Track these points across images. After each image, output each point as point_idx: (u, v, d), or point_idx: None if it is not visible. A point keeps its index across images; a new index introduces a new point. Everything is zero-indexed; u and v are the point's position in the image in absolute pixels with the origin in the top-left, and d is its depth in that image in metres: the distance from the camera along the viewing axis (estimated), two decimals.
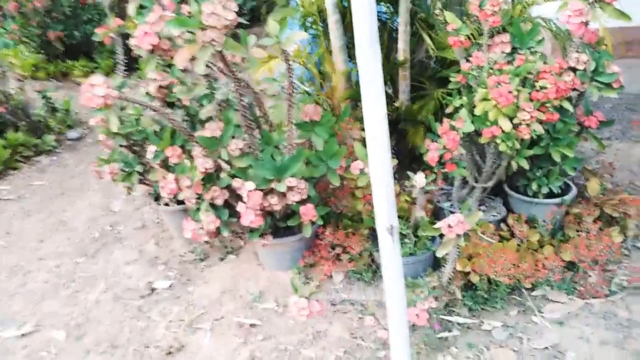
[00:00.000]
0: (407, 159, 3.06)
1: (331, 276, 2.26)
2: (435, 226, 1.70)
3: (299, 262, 2.29)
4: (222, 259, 2.49)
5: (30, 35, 5.93)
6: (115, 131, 2.26)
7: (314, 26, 3.34)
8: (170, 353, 1.95)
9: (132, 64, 5.42)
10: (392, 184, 1.17)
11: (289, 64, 1.99)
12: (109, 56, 6.00)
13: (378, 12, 3.24)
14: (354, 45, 3.11)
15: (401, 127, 2.97)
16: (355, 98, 3.10)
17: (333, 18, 3.01)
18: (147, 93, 2.36)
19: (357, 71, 2.98)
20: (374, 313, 1.94)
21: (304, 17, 3.35)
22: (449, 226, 1.65)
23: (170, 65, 2.40)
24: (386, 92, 3.14)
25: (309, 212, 2.10)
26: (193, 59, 1.97)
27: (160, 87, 2.26)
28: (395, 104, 2.98)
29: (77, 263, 2.60)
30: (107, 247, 2.72)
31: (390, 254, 1.21)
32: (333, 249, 2.27)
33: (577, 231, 2.19)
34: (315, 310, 1.47)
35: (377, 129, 1.11)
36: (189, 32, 1.80)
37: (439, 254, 1.69)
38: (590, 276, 1.98)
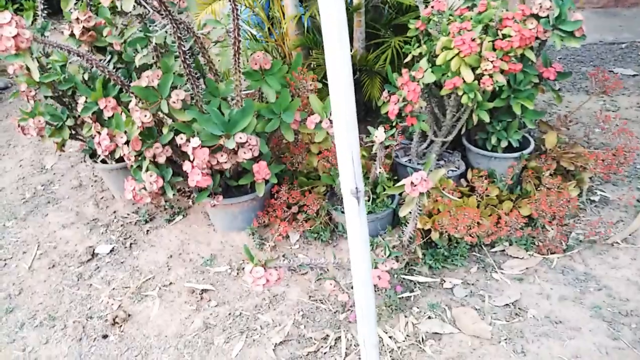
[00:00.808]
0: (362, 111, 2.95)
1: (287, 236, 2.15)
2: (397, 184, 1.61)
3: (253, 222, 2.16)
4: (169, 221, 2.32)
5: None
6: (37, 80, 2.00)
7: None
8: (115, 324, 1.81)
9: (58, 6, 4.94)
10: (358, 144, 1.05)
11: (235, 6, 1.77)
12: None
13: None
14: None
15: (356, 78, 2.83)
16: (307, 46, 2.91)
17: None
18: (71, 35, 2.08)
19: (309, 17, 2.78)
20: (334, 276, 1.86)
21: None
22: (412, 184, 1.56)
23: (97, 5, 2.12)
24: None
25: (262, 170, 1.95)
26: None
27: (86, 29, 1.99)
28: (350, 52, 2.81)
29: (5, 227, 2.36)
30: (39, 208, 2.48)
31: (356, 218, 1.10)
32: (289, 208, 2.15)
33: (536, 186, 2.17)
34: (273, 280, 1.37)
35: (340, 82, 0.97)
36: None
37: (402, 213, 1.61)
38: (548, 231, 1.97)
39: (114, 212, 2.41)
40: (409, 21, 2.42)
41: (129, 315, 1.85)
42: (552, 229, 2.00)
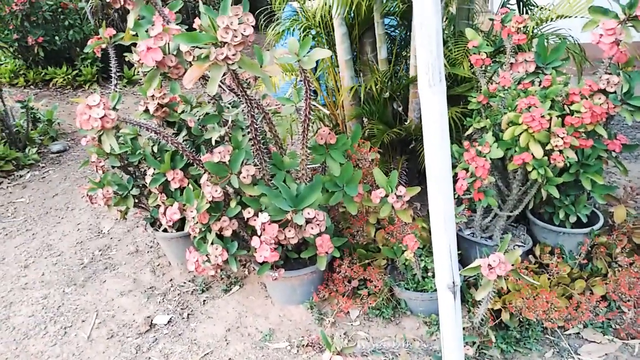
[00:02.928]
0: (416, 179, 2.93)
1: (347, 312, 2.09)
2: (471, 266, 1.55)
3: (312, 296, 2.12)
4: (225, 291, 2.30)
5: (7, 40, 5.63)
6: (109, 152, 2.07)
7: (317, 38, 3.19)
8: None
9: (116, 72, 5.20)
10: (455, 238, 1.02)
11: (308, 85, 1.82)
12: (92, 63, 5.76)
13: (388, 26, 3.11)
14: (359, 60, 2.93)
15: (411, 147, 2.84)
16: (362, 117, 2.96)
17: (340, 31, 2.85)
18: (145, 111, 2.17)
19: (365, 87, 2.83)
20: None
21: (306, 29, 3.19)
22: (490, 267, 1.50)
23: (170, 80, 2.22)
24: (396, 110, 3.03)
25: (325, 244, 1.93)
26: (203, 77, 1.80)
27: (160, 105, 2.07)
28: (405, 123, 2.84)
29: (64, 293, 2.38)
30: (97, 274, 2.51)
31: (451, 314, 1.06)
32: (349, 282, 2.11)
33: (607, 263, 2.07)
34: None
35: (440, 178, 0.96)
36: (200, 47, 1.63)
37: (478, 297, 1.54)
38: (626, 313, 1.86)
39: (171, 279, 2.41)
40: (467, 93, 2.44)
41: None
42: (630, 310, 1.89)
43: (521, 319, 1.85)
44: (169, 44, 1.76)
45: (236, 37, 1.59)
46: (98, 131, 1.79)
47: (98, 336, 2.10)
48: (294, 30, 3.27)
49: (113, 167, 2.30)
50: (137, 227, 2.86)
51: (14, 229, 3.00)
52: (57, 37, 5.69)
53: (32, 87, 5.60)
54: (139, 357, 1.98)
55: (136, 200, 2.31)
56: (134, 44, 2.27)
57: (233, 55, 1.61)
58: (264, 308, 2.17)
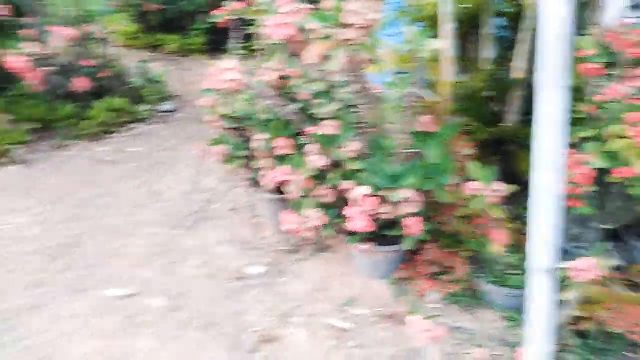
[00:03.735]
0: (505, 181, 2.96)
1: (424, 294, 2.22)
2: (560, 265, 1.63)
3: (394, 273, 2.26)
4: (313, 256, 2.50)
5: (130, 5, 6.15)
6: (226, 113, 2.31)
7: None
8: (264, 341, 1.98)
9: (221, 44, 5.56)
10: (559, 219, 1.12)
11: (423, 73, 1.94)
12: (202, 34, 6.14)
13: (495, 26, 3.14)
14: (461, 57, 2.98)
15: (505, 149, 2.87)
16: (458, 112, 3.02)
17: (446, 27, 2.93)
18: (263, 81, 2.38)
19: (466, 84, 2.89)
20: (481, 344, 1.88)
21: (411, 22, 3.29)
22: (579, 269, 1.57)
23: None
24: (494, 110, 3.07)
25: (415, 225, 2.06)
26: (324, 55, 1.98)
27: (279, 77, 2.28)
28: (501, 124, 2.88)
29: (172, 234, 2.68)
30: (199, 223, 2.79)
31: (543, 301, 1.16)
32: (430, 266, 2.23)
33: None
34: (438, 335, 1.44)
35: (550, 175, 1.06)
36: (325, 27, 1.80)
37: (564, 297, 1.62)
38: None
39: (264, 237, 2.64)
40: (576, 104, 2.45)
41: (276, 336, 2.02)
42: None
43: (603, 330, 1.89)
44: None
45: (360, 20, 1.75)
46: (224, 92, 2.02)
47: (199, 274, 2.37)
48: (398, 21, 3.38)
49: (226, 128, 2.56)
50: (236, 187, 3.11)
51: (127, 174, 3.37)
52: (172, 7, 6.14)
53: (145, 50, 6.08)
54: (234, 298, 2.22)
55: (243, 162, 2.55)
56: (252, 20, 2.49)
57: (355, 37, 1.77)
58: (347, 277, 2.35)
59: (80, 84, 3.77)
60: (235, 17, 2.64)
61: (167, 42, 6.14)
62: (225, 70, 1.90)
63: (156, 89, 4.57)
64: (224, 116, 2.45)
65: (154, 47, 6.15)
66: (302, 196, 2.17)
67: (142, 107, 4.24)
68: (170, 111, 4.42)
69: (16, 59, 3.36)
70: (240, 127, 2.50)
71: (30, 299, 2.21)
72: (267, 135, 2.29)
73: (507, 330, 2.01)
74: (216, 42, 6.02)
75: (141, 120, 4.18)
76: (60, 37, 3.71)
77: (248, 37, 2.74)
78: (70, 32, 3.75)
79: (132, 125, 4.09)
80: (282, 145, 2.21)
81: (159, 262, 2.46)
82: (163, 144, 3.82)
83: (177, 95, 4.70)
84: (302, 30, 1.85)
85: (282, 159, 2.24)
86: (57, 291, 2.26)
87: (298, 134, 2.26)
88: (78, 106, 3.86)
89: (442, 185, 2.14)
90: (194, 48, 6.09)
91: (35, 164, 3.48)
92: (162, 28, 6.26)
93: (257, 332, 2.04)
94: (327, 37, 1.72)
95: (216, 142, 2.47)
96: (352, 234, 2.18)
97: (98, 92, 4.02)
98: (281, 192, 2.54)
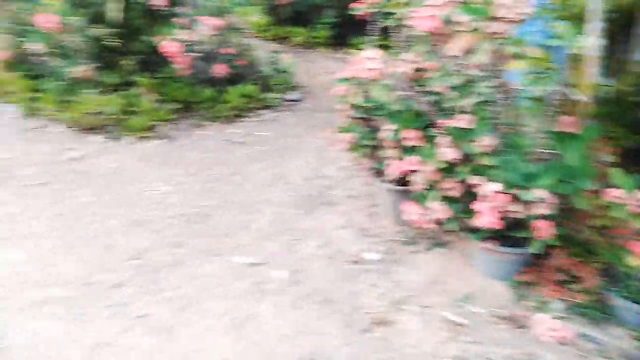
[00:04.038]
0: None
1: (547, 301, 2.13)
2: None
3: (515, 275, 2.20)
4: (429, 249, 2.50)
5: None
6: (357, 103, 2.39)
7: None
8: (377, 324, 2.04)
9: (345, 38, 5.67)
10: None
11: (564, 72, 1.86)
12: (326, 27, 6.34)
13: None
14: (611, 58, 2.78)
15: None
16: (602, 117, 2.82)
17: (596, 25, 2.74)
18: (398, 72, 2.42)
19: (610, 87, 2.70)
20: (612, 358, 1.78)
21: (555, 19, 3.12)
22: None
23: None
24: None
25: (545, 229, 1.98)
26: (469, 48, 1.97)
27: (417, 69, 2.31)
28: None
29: (294, 215, 2.84)
30: (319, 207, 2.92)
31: None
32: (557, 273, 2.13)
33: None
34: (567, 335, 1.40)
35: None
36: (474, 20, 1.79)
37: None
38: None
39: (381, 227, 2.70)
40: None
41: (389, 321, 2.07)
42: None
43: None
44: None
45: (510, 14, 1.71)
46: (359, 82, 2.09)
47: (318, 254, 2.49)
48: (539, 18, 3.22)
49: (355, 117, 2.64)
50: (356, 176, 3.20)
51: (255, 155, 3.61)
52: (303, 1, 6.40)
53: (274, 42, 6.40)
54: (350, 280, 2.31)
55: (369, 151, 2.62)
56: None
57: (502, 31, 1.74)
58: (465, 274, 2.33)
59: (219, 70, 4.10)
60: (373, 10, 2.71)
61: (294, 34, 6.42)
62: (367, 59, 1.98)
63: (284, 78, 4.81)
64: (354, 105, 2.54)
65: (282, 39, 6.46)
66: (427, 188, 2.19)
67: (270, 95, 4.49)
68: (296, 100, 4.62)
69: (170, 44, 3.75)
70: (369, 117, 2.57)
71: (171, 257, 2.48)
72: (396, 126, 2.34)
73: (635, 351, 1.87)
74: (341, 36, 6.20)
75: (269, 107, 4.43)
76: (206, 27, 4.05)
77: (383, 30, 2.80)
78: (215, 22, 4.09)
79: (260, 111, 4.35)
80: (412, 136, 2.24)
81: (281, 238, 2.62)
82: (288, 131, 4.02)
83: (303, 85, 4.91)
84: (447, 22, 1.86)
85: (410, 150, 2.27)
86: (193, 253, 2.51)
87: (428, 126, 2.27)
88: (215, 90, 4.19)
89: (579, 189, 2.03)
90: (319, 41, 6.30)
91: (177, 140, 3.85)
92: (291, 21, 6.55)
93: (370, 314, 2.10)
94: (474, 30, 1.72)
95: (344, 130, 2.56)
96: (475, 231, 2.16)
97: (233, 79, 4.33)
98: (403, 184, 2.57)
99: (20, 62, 4.40)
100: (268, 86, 4.58)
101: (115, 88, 4.01)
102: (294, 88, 4.80)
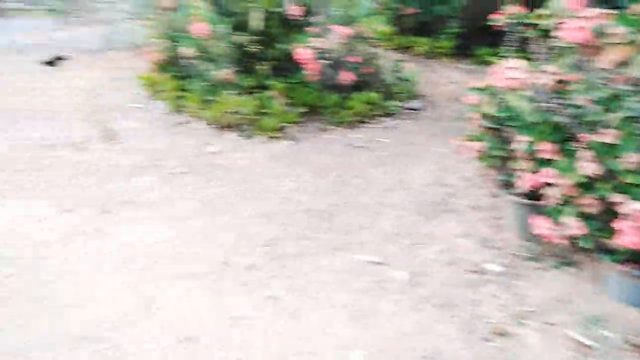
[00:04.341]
0: None
1: None
2: None
3: None
4: (556, 267, 2.42)
5: (388, 9, 6.64)
6: (489, 112, 2.38)
7: None
8: (498, 334, 2.03)
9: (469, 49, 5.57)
10: None
11: None
12: (449, 38, 6.29)
13: None
14: None
15: None
16: None
17: None
18: (538, 84, 2.38)
19: None
20: None
21: None
22: None
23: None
24: None
25: None
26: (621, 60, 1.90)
27: (559, 81, 2.26)
28: None
29: (414, 219, 2.89)
30: (440, 214, 2.94)
31: None
32: None
33: None
34: None
35: None
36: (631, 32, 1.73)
37: None
38: None
39: (504, 240, 2.66)
40: None
41: (508, 333, 2.04)
42: None
43: None
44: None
45: None
46: (494, 91, 2.10)
47: (439, 259, 2.53)
48: None
49: (486, 127, 2.63)
50: (480, 187, 3.17)
51: (376, 160, 3.72)
52: (426, 11, 6.43)
53: (396, 51, 6.49)
54: (470, 288, 2.31)
55: (498, 161, 2.60)
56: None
57: None
58: (595, 296, 2.22)
59: (346, 77, 4.28)
60: (511, 21, 2.69)
61: (417, 44, 6.45)
62: (508, 69, 1.98)
63: (406, 87, 4.88)
64: (485, 115, 2.54)
65: (405, 49, 6.52)
66: (562, 203, 2.13)
67: (392, 103, 4.58)
68: (417, 109, 4.67)
69: (304, 51, 4.00)
70: (500, 127, 2.55)
71: (297, 248, 2.66)
72: (531, 138, 2.30)
73: None
74: (465, 46, 6.12)
75: (390, 115, 4.52)
76: (337, 35, 4.26)
77: (520, 41, 2.76)
78: (345, 30, 4.28)
79: (382, 118, 4.46)
80: (548, 149, 2.19)
81: (402, 241, 2.69)
82: (409, 139, 4.08)
83: (424, 95, 4.94)
84: (599, 34, 1.82)
85: (545, 163, 2.22)
86: (318, 246, 2.67)
87: (567, 139, 2.21)
88: (340, 97, 4.38)
89: None
90: (442, 51, 6.28)
91: (303, 142, 4.09)
92: (414, 31, 6.60)
93: (490, 323, 2.09)
94: (630, 42, 1.66)
95: (473, 138, 2.57)
96: (610, 252, 2.06)
97: (357, 86, 4.49)
98: (532, 197, 2.52)
99: (172, 65, 4.96)
100: (390, 94, 4.68)
101: (251, 91, 4.36)
102: (415, 97, 4.84)
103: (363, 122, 4.35)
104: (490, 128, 2.57)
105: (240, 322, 2.14)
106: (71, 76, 6.28)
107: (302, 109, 4.34)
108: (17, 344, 2.02)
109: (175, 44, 4.69)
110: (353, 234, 2.77)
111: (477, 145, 2.54)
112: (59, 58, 6.62)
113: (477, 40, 6.12)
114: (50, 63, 6.52)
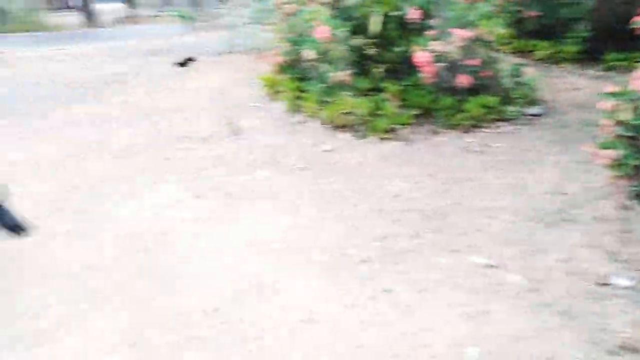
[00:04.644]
0: None
1: None
2: None
3: None
4: None
5: (508, 11, 6.40)
6: (624, 119, 2.26)
7: None
8: (626, 349, 1.93)
9: (600, 53, 5.20)
10: None
11: None
12: (576, 42, 5.92)
13: None
14: None
15: None
16: None
17: None
18: None
19: None
20: None
21: None
22: None
23: None
24: None
25: None
26: None
27: None
28: None
29: (530, 226, 2.81)
30: (559, 223, 2.83)
31: None
32: None
33: None
34: None
35: None
36: None
37: None
38: None
39: (634, 254, 2.49)
40: None
41: (637, 349, 1.93)
42: None
43: None
44: None
45: None
46: (633, 97, 1.99)
47: (558, 268, 2.44)
48: None
49: (620, 135, 2.49)
50: (607, 198, 2.98)
51: (490, 165, 3.65)
52: (551, 14, 6.10)
53: (514, 55, 6.26)
54: (596, 300, 2.21)
55: (632, 171, 2.46)
56: None
57: None
58: None
59: (463, 80, 4.24)
60: None
61: (538, 48, 6.18)
62: None
63: (525, 92, 4.70)
64: (621, 122, 2.41)
65: (524, 53, 6.27)
66: None
67: (510, 108, 4.45)
68: (537, 115, 4.49)
69: (422, 54, 4.04)
70: (637, 135, 2.41)
71: (409, 244, 2.72)
72: None
73: None
74: (593, 51, 5.72)
75: (507, 120, 4.40)
76: (455, 38, 4.23)
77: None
78: (464, 33, 4.24)
79: (498, 123, 4.35)
80: None
81: (518, 246, 2.63)
82: (527, 145, 3.94)
83: (545, 101, 4.74)
84: None
85: None
86: (430, 245, 2.70)
87: None
88: (456, 100, 4.35)
89: None
90: (565, 56, 5.95)
91: (415, 144, 4.13)
92: (535, 34, 6.31)
93: (618, 337, 1.99)
94: None
95: (606, 146, 2.45)
96: None
97: (474, 89, 4.42)
98: None
99: (291, 67, 5.25)
100: (509, 99, 4.54)
101: (366, 92, 4.49)
102: (535, 102, 4.66)
103: (478, 126, 4.28)
104: (625, 136, 2.43)
105: (356, 310, 2.24)
106: (199, 77, 6.89)
107: (415, 111, 4.38)
108: (145, 318, 2.31)
109: (296, 47, 4.96)
110: (466, 235, 2.76)
111: (609, 153, 2.42)
112: (190, 59, 7.27)
113: (607, 45, 5.69)
114: (181, 64, 7.19)
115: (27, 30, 14.06)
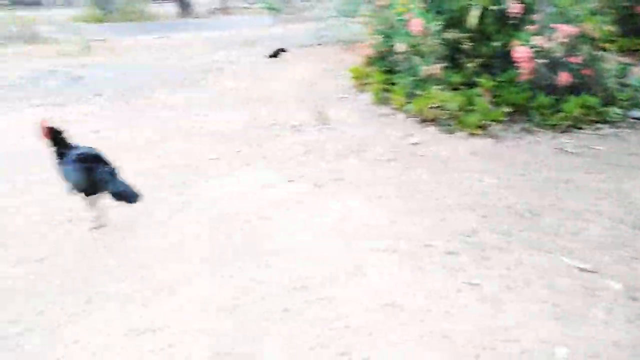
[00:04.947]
0: None
1: None
2: None
3: None
4: None
5: (614, 8, 5.99)
6: None
7: None
8: None
9: None
10: None
11: None
12: None
13: None
14: None
15: None
16: None
17: None
18: None
19: None
20: None
21: None
22: None
23: None
24: None
25: None
26: None
27: None
28: None
29: (630, 232, 2.68)
30: None
31: None
32: None
33: None
34: None
35: None
36: None
37: None
38: None
39: None
40: None
41: None
42: None
43: None
44: None
45: None
46: None
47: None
48: None
49: None
50: None
51: (588, 167, 3.49)
52: None
53: (621, 54, 5.86)
54: None
55: None
56: None
57: None
58: None
59: (563, 78, 4.06)
60: None
61: None
62: None
63: (630, 94, 4.42)
64: None
65: (631, 52, 5.87)
66: None
67: (612, 110, 4.21)
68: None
69: (522, 50, 3.92)
70: None
71: (498, 241, 2.67)
72: None
73: None
74: None
75: (609, 122, 4.17)
76: (559, 34, 4.06)
77: None
78: (567, 29, 4.06)
79: (599, 125, 4.14)
80: None
81: (616, 252, 2.50)
82: (629, 149, 3.73)
83: None
84: None
85: None
86: (521, 243, 2.64)
87: None
88: (553, 98, 4.18)
89: None
90: None
91: (505, 141, 4.03)
92: None
93: None
94: None
95: None
96: None
97: (574, 88, 4.22)
98: None
99: (381, 59, 5.29)
100: (612, 100, 4.30)
101: (457, 87, 4.43)
102: None
103: (575, 127, 4.10)
104: None
105: (441, 300, 2.26)
106: (288, 67, 7.11)
107: (508, 108, 4.26)
108: (239, 287, 2.46)
109: (387, 39, 4.99)
110: (560, 237, 2.68)
111: None
112: (282, 50, 7.51)
113: None
114: (273, 55, 7.45)
115: (130, 20, 15.12)
